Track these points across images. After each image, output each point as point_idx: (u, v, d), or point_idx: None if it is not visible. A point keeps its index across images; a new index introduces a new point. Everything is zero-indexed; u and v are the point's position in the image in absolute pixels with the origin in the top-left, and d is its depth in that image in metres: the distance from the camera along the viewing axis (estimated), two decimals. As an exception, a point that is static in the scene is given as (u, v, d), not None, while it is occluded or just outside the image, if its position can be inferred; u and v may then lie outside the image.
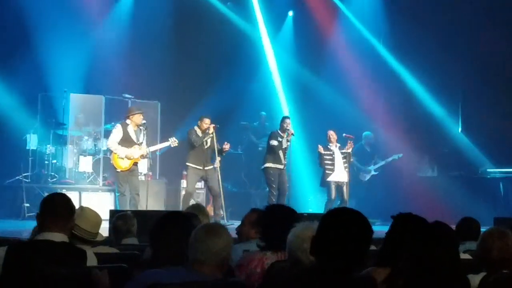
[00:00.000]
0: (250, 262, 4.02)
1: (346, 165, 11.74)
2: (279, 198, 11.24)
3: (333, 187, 11.59)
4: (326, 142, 11.76)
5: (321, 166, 11.72)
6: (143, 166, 12.57)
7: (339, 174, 11.68)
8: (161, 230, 3.61)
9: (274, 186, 11.23)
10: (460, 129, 14.44)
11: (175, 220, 3.62)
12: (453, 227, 5.20)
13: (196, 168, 10.93)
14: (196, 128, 11.01)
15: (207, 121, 10.97)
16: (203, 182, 11.61)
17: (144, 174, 12.40)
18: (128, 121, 10.55)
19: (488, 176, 13.53)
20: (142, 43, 14.13)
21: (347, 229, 2.85)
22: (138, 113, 10.57)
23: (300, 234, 3.49)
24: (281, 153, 11.28)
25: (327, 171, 11.62)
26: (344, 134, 12.55)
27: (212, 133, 10.92)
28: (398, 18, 14.47)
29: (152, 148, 10.96)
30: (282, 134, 11.33)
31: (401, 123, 14.41)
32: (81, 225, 4.39)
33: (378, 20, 14.96)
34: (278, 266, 3.83)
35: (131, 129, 10.53)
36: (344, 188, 11.67)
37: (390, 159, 13.65)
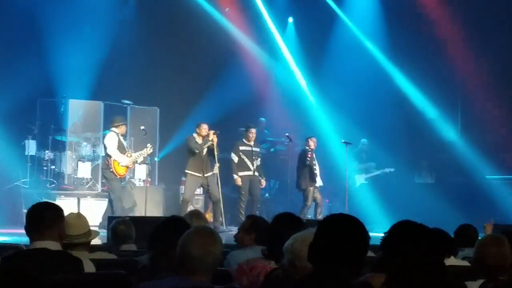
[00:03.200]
0: (253, 268, 4.02)
1: (318, 170, 12.14)
2: (252, 205, 11.52)
3: (311, 193, 11.94)
4: (305, 148, 12.11)
5: (303, 168, 11.95)
6: (141, 173, 12.59)
7: (316, 179, 12.04)
8: (160, 235, 3.60)
9: (243, 193, 11.52)
10: (459, 136, 14.43)
11: (174, 226, 3.61)
12: (452, 234, 5.22)
13: (195, 175, 10.97)
14: (195, 135, 11.05)
15: (204, 126, 11.04)
16: (201, 188, 11.66)
17: (143, 180, 12.42)
18: (116, 130, 10.79)
19: (486, 183, 13.53)
20: (141, 49, 14.13)
21: (345, 235, 2.84)
22: (124, 124, 10.95)
23: (301, 239, 3.48)
24: (248, 160, 11.52)
25: (307, 176, 11.95)
26: (342, 141, 12.69)
27: (212, 140, 10.95)
28: (396, 24, 14.49)
29: (136, 155, 11.10)
30: (247, 142, 11.60)
31: (400, 129, 14.42)
32: (69, 233, 4.40)
33: (377, 26, 14.98)
34: (277, 273, 3.82)
35: (120, 138, 10.84)
36: (318, 192, 12.02)
37: (381, 171, 13.72)
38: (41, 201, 4.19)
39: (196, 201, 12.58)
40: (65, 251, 3.87)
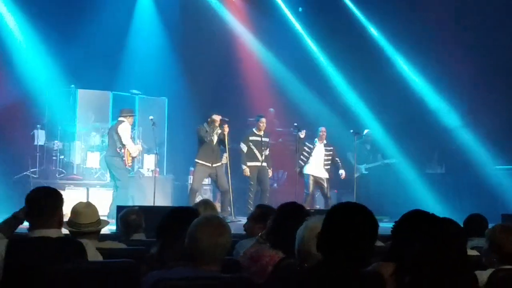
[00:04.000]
0: (260, 257, 4.03)
1: (327, 163, 12.09)
2: (261, 195, 11.61)
3: (311, 181, 11.99)
4: (315, 138, 12.18)
5: (297, 153, 12.10)
6: (150, 163, 12.63)
7: (316, 169, 12.05)
8: (169, 225, 3.60)
9: (252, 183, 11.60)
10: (465, 125, 14.36)
11: (183, 215, 3.61)
12: (461, 223, 5.20)
13: (204, 165, 10.98)
14: (205, 125, 11.08)
15: (216, 117, 11.05)
16: (209, 178, 11.71)
17: (152, 170, 12.44)
18: (125, 120, 10.87)
19: (496, 173, 13.49)
20: (150, 40, 14.13)
21: (352, 223, 2.84)
22: (132, 116, 11.10)
23: (307, 227, 3.48)
24: (257, 151, 11.59)
25: (300, 162, 12.07)
26: (351, 130, 12.69)
27: (224, 131, 10.97)
28: (404, 13, 14.40)
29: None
30: (257, 132, 11.67)
31: (408, 119, 14.39)
32: (79, 221, 4.39)
33: (383, 13, 14.87)
34: (286, 262, 3.83)
35: (130, 128, 10.99)
36: (325, 184, 12.02)
37: (383, 162, 13.67)
38: (39, 186, 4.16)
39: (204, 191, 12.60)
40: (66, 237, 3.88)
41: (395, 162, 13.69)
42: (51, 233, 3.77)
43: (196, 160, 11.07)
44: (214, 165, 11.00)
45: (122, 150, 10.76)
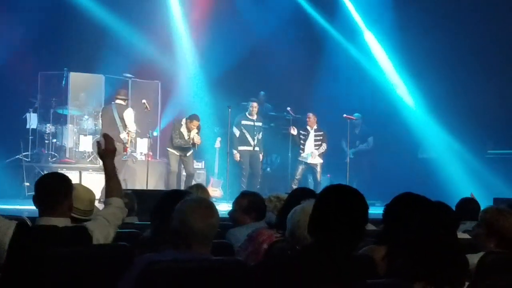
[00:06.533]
0: (258, 235, 4.07)
1: (317, 148, 12.27)
2: (252, 179, 11.92)
3: (300, 167, 12.23)
4: (305, 124, 12.40)
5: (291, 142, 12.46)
6: (143, 147, 12.62)
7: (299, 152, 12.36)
8: (163, 208, 3.60)
9: (244, 167, 11.94)
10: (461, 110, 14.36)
11: (177, 199, 3.61)
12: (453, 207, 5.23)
13: (175, 154, 11.54)
14: (183, 123, 11.39)
15: (196, 123, 11.41)
16: (203, 162, 11.94)
17: (144, 154, 12.44)
18: (125, 104, 11.03)
19: (488, 157, 13.54)
20: (143, 23, 14.02)
21: (343, 205, 2.84)
22: (127, 100, 11.40)
23: (300, 210, 3.50)
24: (248, 135, 11.81)
25: (300, 151, 12.32)
26: (344, 115, 12.72)
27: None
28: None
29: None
30: (250, 117, 11.89)
31: (400, 105, 14.42)
32: (76, 206, 4.35)
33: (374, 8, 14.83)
34: (278, 245, 3.85)
35: None
36: (317, 169, 12.26)
37: (364, 145, 13.70)
38: (51, 172, 4.05)
39: (197, 175, 12.65)
40: (72, 226, 3.82)
41: (372, 145, 13.75)
42: (58, 222, 3.68)
43: (168, 149, 11.61)
44: (186, 155, 11.51)
45: (126, 136, 10.80)
